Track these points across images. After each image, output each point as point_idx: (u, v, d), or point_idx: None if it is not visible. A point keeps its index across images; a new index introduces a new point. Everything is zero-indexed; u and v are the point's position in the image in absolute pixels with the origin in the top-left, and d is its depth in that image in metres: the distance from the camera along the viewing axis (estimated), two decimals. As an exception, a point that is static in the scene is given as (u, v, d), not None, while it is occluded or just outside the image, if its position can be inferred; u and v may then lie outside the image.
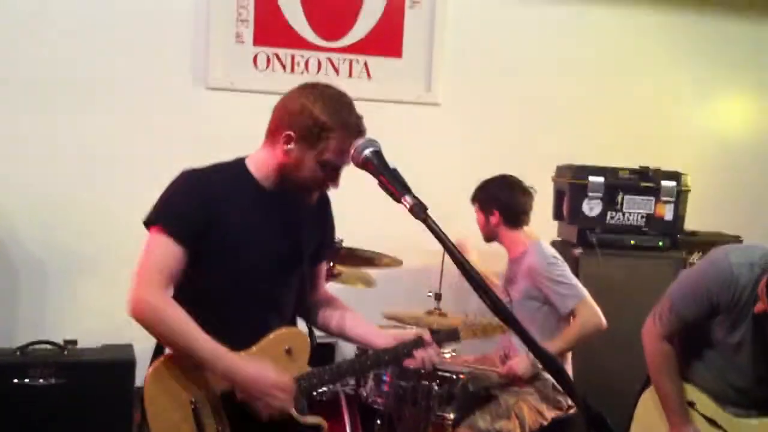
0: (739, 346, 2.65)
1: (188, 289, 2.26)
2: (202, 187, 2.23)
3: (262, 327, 2.28)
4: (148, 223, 2.21)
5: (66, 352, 3.85)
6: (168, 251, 2.17)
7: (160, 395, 2.19)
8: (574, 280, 3.47)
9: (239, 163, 2.32)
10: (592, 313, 3.39)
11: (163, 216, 2.20)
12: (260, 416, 2.19)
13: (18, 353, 3.80)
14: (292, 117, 2.20)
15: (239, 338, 2.23)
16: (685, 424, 2.71)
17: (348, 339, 2.55)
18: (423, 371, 2.44)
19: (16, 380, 3.68)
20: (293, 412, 2.25)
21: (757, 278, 2.53)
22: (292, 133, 2.20)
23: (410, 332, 2.44)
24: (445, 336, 2.54)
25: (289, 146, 2.21)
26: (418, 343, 2.39)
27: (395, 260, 3.78)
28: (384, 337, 2.44)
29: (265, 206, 2.28)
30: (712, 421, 2.71)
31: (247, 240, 2.25)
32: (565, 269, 3.50)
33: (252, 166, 2.30)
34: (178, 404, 2.19)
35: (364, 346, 2.55)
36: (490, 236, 3.69)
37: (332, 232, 2.57)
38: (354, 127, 2.18)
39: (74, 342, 3.94)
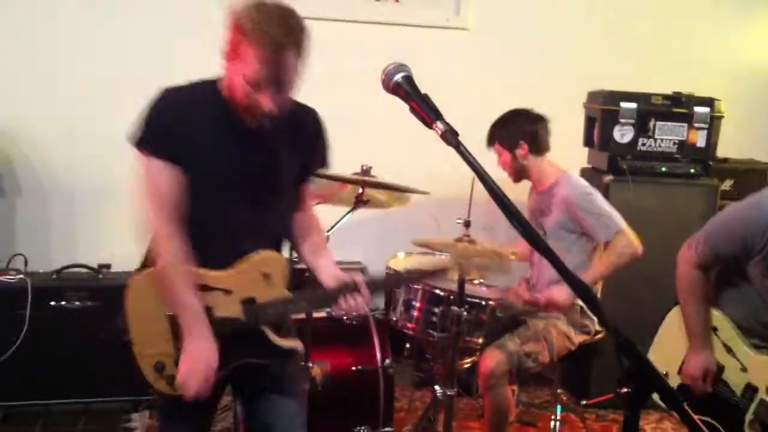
0: None
1: None
2: (178, 105, 2.21)
3: (239, 250, 2.26)
4: (134, 143, 2.23)
5: (101, 276, 3.93)
6: (166, 177, 2.20)
7: (139, 306, 2.25)
8: (611, 210, 3.44)
9: (213, 83, 2.24)
10: (628, 242, 3.37)
11: (149, 139, 2.21)
12: (176, 382, 2.20)
13: (54, 276, 3.89)
14: (225, 32, 2.11)
15: (217, 258, 2.24)
16: (702, 349, 2.75)
17: (308, 266, 2.51)
18: (348, 317, 2.33)
19: (53, 302, 3.78)
20: (268, 332, 2.27)
21: None
22: (225, 48, 2.12)
23: (350, 276, 2.33)
24: (382, 282, 2.44)
25: (225, 64, 2.13)
26: (349, 288, 2.30)
27: (423, 192, 3.79)
28: (329, 277, 2.35)
29: (237, 126, 2.20)
30: (729, 349, 2.73)
31: (218, 162, 2.22)
32: (600, 199, 3.48)
33: (223, 85, 2.22)
34: (156, 316, 2.24)
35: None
36: (519, 174, 3.62)
37: (321, 151, 2.43)
38: (273, 38, 2.02)
39: (108, 266, 4.02)
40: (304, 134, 2.35)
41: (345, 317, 2.31)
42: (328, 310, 2.34)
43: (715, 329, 2.77)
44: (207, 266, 2.24)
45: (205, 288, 2.23)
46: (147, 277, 2.26)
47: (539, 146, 3.57)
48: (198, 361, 2.18)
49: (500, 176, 3.85)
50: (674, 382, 2.80)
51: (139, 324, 2.25)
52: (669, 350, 2.87)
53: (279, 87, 2.10)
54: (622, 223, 3.40)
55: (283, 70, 2.08)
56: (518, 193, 3.94)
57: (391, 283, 2.46)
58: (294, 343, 2.36)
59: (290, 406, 2.42)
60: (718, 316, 2.77)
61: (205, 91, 2.23)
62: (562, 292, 3.40)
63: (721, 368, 2.73)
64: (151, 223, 2.23)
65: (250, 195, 2.26)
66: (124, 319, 2.25)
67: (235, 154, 2.22)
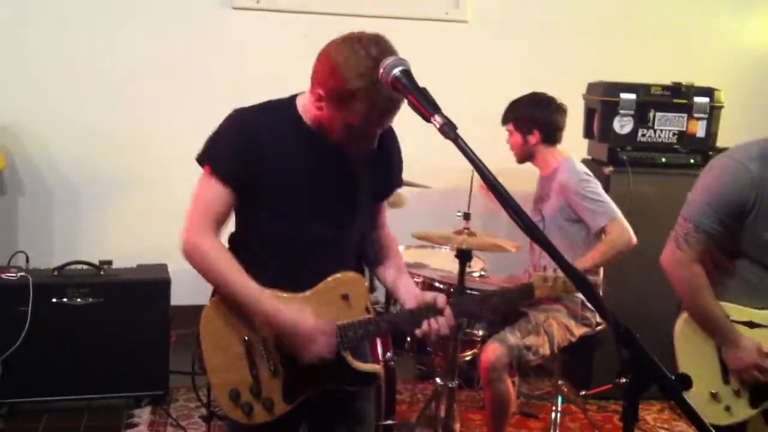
0: None
1: (246, 232, 2.26)
2: (249, 128, 2.16)
3: (318, 270, 2.22)
4: (198, 162, 2.18)
5: (102, 272, 3.93)
6: (215, 193, 2.14)
7: (214, 332, 2.19)
8: (606, 198, 3.45)
9: (290, 103, 2.22)
10: (622, 231, 3.37)
11: (211, 157, 2.16)
12: (303, 360, 2.16)
13: (55, 273, 3.89)
14: (323, 75, 2.06)
15: (295, 281, 2.20)
16: (739, 335, 2.65)
17: (386, 286, 2.46)
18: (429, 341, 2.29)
19: (54, 299, 3.78)
20: (348, 357, 2.22)
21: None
22: (321, 92, 2.07)
23: (432, 296, 2.27)
24: (466, 305, 2.38)
25: (320, 104, 2.10)
26: (432, 310, 2.24)
27: (423, 186, 3.80)
28: (410, 297, 2.30)
29: (314, 147, 2.17)
30: (750, 324, 2.68)
31: (295, 183, 2.18)
32: (597, 186, 3.47)
33: (300, 106, 2.20)
34: (231, 342, 2.18)
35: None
36: (525, 156, 3.64)
37: (397, 170, 2.40)
38: (387, 99, 2.00)
39: (109, 262, 4.02)
40: (381, 152, 2.29)
41: (427, 339, 2.27)
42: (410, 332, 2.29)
43: (727, 317, 2.70)
44: (285, 288, 2.19)
45: None
46: (219, 302, 2.20)
47: (553, 137, 3.58)
48: (297, 329, 2.13)
49: (502, 164, 3.86)
50: (728, 395, 2.67)
51: (213, 351, 2.19)
52: (703, 368, 2.71)
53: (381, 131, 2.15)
54: (616, 212, 3.41)
55: (389, 120, 2.12)
56: (521, 184, 3.94)
57: (474, 306, 2.44)
58: (374, 368, 2.32)
59: None
60: (724, 305, 2.70)
61: (279, 112, 2.20)
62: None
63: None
64: (192, 231, 2.15)
65: (329, 214, 2.23)
66: (199, 347, 2.20)
67: (314, 174, 2.19)
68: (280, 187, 2.17)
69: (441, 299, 2.24)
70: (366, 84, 1.98)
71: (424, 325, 2.22)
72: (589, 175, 3.50)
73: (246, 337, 2.18)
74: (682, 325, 2.76)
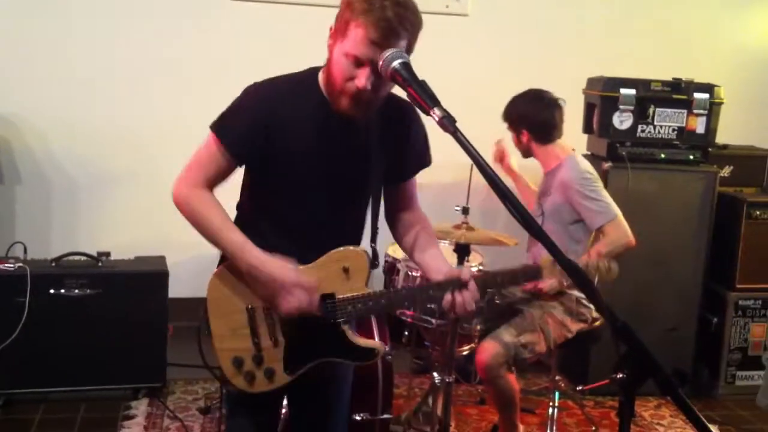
0: None
1: (251, 203, 2.27)
2: (264, 103, 2.15)
3: (319, 246, 2.22)
4: (211, 128, 2.17)
5: (100, 264, 3.93)
6: (215, 158, 2.15)
7: (219, 300, 2.21)
8: (607, 198, 3.43)
9: (311, 75, 2.18)
10: (621, 233, 3.35)
11: (222, 126, 2.16)
12: (280, 311, 2.15)
13: (53, 264, 3.89)
14: (338, 12, 2.05)
15: (297, 255, 2.19)
16: None
17: (415, 264, 2.44)
18: (454, 314, 2.23)
19: (52, 290, 3.78)
20: (347, 331, 2.22)
21: None
22: (332, 27, 2.07)
23: (457, 270, 2.24)
24: (489, 281, 2.35)
25: (330, 42, 2.07)
26: (458, 284, 2.20)
27: (421, 179, 3.79)
28: (435, 274, 2.27)
29: (329, 124, 2.14)
30: None
31: (304, 161, 2.17)
32: (598, 185, 3.47)
33: (321, 78, 2.15)
34: (235, 310, 2.20)
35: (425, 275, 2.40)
36: (524, 153, 3.67)
37: (417, 149, 2.34)
38: (382, 17, 1.94)
39: (108, 254, 4.02)
40: (396, 130, 2.27)
41: (451, 310, 2.23)
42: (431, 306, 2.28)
43: None
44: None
45: None
46: (225, 270, 2.21)
47: (544, 135, 3.56)
48: (278, 280, 2.11)
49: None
50: None
51: (218, 318, 2.21)
52: None
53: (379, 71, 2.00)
54: (616, 212, 3.40)
55: (383, 45, 1.97)
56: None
57: (495, 282, 2.42)
58: (373, 344, 2.30)
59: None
60: None
61: (300, 85, 2.17)
62: (547, 280, 3.41)
63: None
64: (185, 182, 2.16)
65: (335, 192, 2.22)
66: (205, 311, 2.22)
67: (325, 152, 2.17)
68: (286, 164, 2.17)
69: (465, 273, 2.21)
70: (367, 4, 1.96)
71: (448, 296, 2.19)
72: (591, 173, 3.50)
73: (249, 306, 2.19)
74: None
